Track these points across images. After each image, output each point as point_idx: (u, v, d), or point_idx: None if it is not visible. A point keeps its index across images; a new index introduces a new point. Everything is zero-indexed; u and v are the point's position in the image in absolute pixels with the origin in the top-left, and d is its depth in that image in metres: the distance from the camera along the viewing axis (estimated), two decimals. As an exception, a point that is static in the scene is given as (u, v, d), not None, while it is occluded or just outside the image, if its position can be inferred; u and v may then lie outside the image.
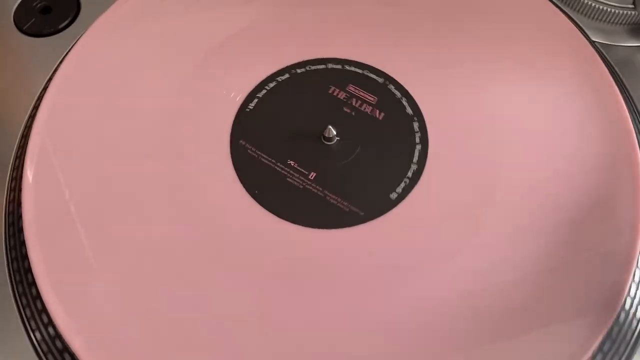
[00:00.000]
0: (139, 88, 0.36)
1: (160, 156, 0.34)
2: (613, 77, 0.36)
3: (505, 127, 0.35)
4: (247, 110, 0.36)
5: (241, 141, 0.35)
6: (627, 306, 0.30)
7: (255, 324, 0.30)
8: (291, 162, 0.34)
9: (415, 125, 0.35)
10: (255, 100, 0.36)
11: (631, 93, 0.37)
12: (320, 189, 0.33)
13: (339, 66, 0.38)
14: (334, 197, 0.33)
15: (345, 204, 0.33)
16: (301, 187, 0.33)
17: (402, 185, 0.33)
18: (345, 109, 0.36)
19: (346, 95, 0.37)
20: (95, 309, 0.30)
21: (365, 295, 0.30)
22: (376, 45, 0.38)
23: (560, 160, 0.34)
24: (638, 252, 0.30)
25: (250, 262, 0.31)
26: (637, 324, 0.31)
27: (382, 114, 0.36)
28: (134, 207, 0.33)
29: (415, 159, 0.34)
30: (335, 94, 0.37)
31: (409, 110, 0.36)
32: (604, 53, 0.39)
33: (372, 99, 0.36)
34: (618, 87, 0.36)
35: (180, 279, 0.30)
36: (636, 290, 0.31)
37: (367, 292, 0.30)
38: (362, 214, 0.32)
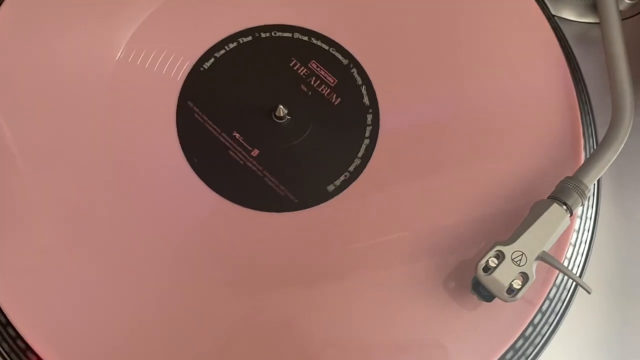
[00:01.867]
0: (83, 37, 0.35)
1: (99, 111, 0.33)
2: (564, 51, 0.36)
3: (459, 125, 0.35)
4: (202, 69, 0.35)
5: (189, 102, 0.34)
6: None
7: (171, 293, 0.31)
8: (237, 134, 0.34)
9: (369, 117, 0.35)
10: (212, 59, 0.35)
11: (580, 66, 0.38)
12: (261, 168, 0.33)
13: (305, 37, 0.36)
14: (272, 179, 0.33)
15: (282, 188, 0.33)
16: (241, 162, 0.33)
17: (342, 178, 0.33)
18: (302, 87, 0.35)
19: (306, 72, 0.35)
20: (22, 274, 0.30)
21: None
22: (348, 22, 0.37)
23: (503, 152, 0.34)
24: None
25: (174, 228, 0.32)
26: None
27: (339, 99, 0.35)
28: (71, 166, 0.32)
29: (361, 153, 0.34)
30: (296, 68, 0.36)
31: (366, 101, 0.35)
32: (561, 27, 0.38)
33: (332, 80, 0.35)
34: (567, 60, 0.36)
35: (110, 245, 0.31)
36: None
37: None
38: (296, 201, 0.33)
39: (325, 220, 0.32)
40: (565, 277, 0.33)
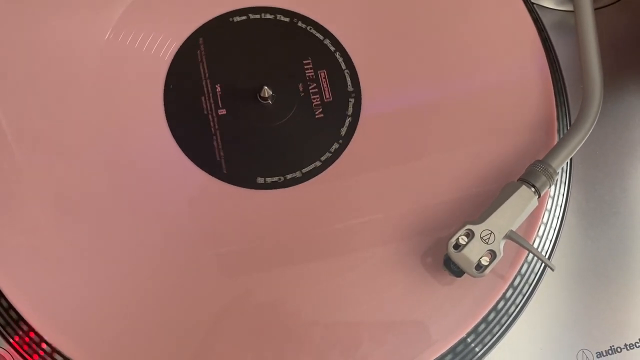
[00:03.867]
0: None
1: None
2: (541, 37, 0.37)
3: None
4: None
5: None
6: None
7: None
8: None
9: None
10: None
11: (558, 52, 0.39)
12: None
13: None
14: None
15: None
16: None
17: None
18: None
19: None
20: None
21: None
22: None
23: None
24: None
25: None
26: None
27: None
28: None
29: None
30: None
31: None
32: (538, 14, 0.39)
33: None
34: (545, 46, 0.37)
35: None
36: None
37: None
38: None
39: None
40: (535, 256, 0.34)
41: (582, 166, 0.38)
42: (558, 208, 0.36)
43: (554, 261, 0.36)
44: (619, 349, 0.36)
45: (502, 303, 0.34)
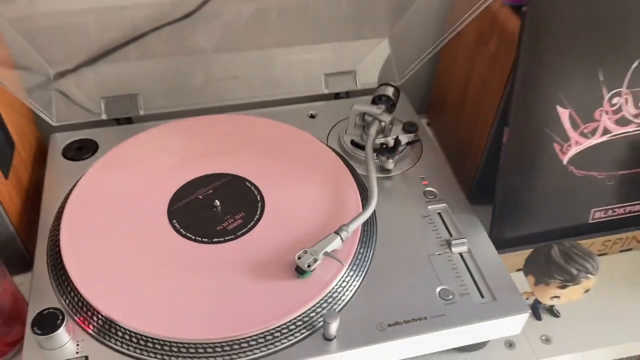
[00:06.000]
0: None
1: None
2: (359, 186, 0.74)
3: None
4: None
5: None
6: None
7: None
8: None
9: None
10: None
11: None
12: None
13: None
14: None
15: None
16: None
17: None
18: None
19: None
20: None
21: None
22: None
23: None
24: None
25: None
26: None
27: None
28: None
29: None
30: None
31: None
32: (362, 180, 0.77)
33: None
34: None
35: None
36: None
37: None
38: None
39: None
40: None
41: (381, 225, 0.71)
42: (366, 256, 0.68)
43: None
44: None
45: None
